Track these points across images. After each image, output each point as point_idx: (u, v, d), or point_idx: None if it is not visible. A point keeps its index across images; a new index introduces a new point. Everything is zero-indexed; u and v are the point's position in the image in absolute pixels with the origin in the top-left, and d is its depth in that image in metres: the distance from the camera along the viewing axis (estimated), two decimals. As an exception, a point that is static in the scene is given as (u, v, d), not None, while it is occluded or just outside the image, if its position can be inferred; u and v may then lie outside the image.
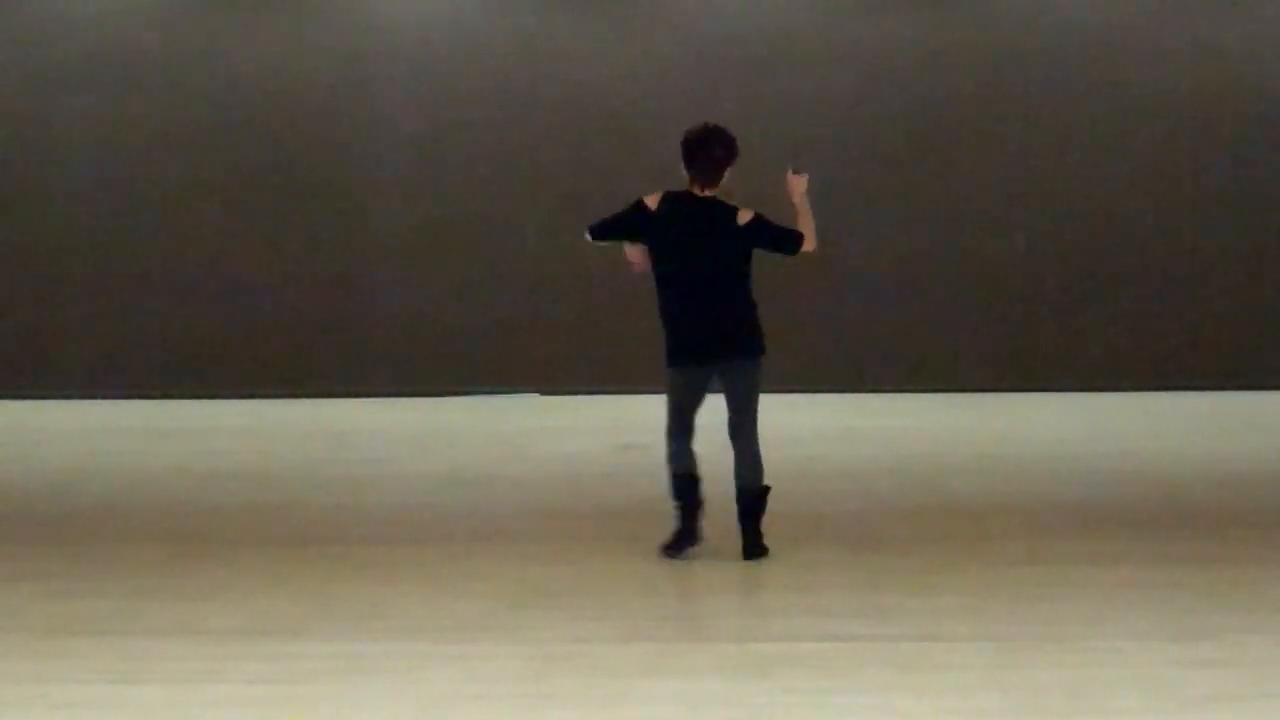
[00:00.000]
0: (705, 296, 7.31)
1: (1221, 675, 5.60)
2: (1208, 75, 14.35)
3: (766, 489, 7.45)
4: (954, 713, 5.21)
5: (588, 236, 7.51)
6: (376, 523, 8.66)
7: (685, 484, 7.40)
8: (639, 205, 7.40)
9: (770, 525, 7.96)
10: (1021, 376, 14.39)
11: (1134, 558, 7.54)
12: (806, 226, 7.45)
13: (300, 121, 14.43)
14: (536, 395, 14.31)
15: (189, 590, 6.99)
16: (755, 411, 7.46)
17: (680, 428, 7.46)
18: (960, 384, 14.33)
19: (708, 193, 7.35)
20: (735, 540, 7.54)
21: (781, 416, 12.89)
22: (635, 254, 7.46)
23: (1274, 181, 14.40)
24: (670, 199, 7.38)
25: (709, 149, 7.31)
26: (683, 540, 7.39)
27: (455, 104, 14.45)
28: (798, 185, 7.48)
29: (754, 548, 7.43)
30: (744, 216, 7.34)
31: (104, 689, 5.56)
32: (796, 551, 7.65)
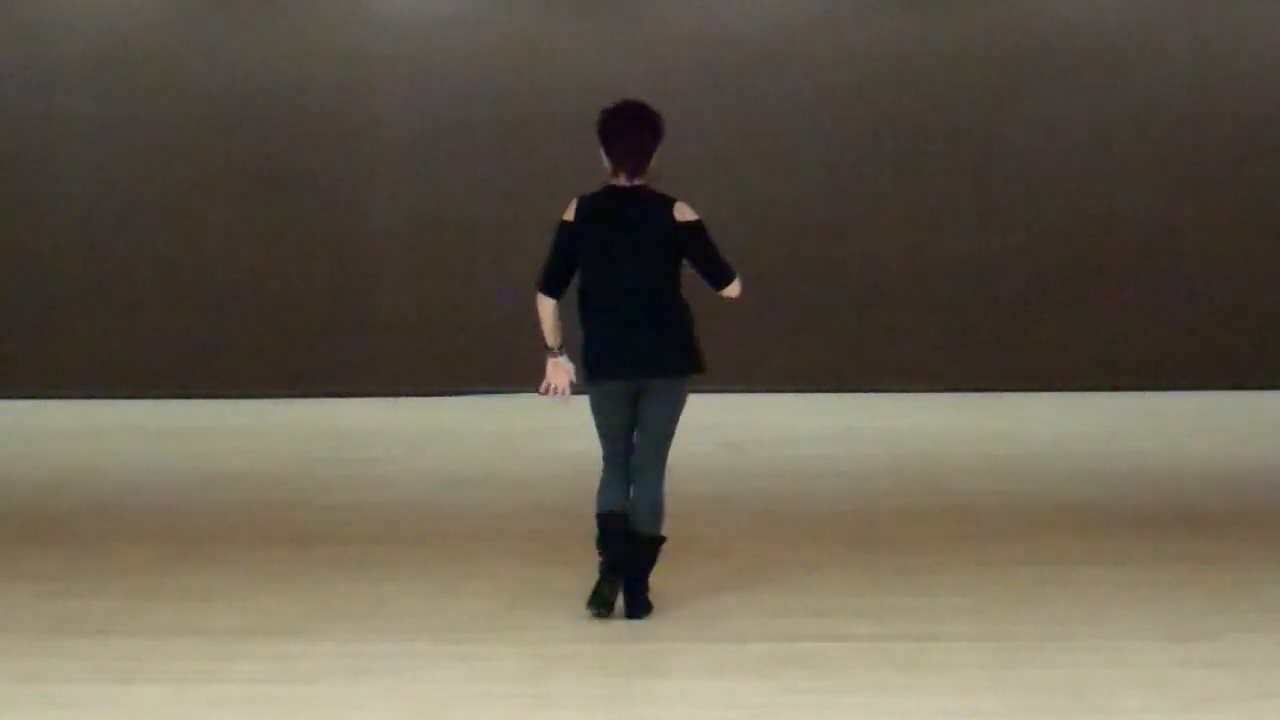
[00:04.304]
0: (632, 298, 6.33)
1: (1221, 675, 5.60)
2: (1208, 75, 14.36)
3: (661, 539, 6.46)
4: (953, 712, 5.21)
5: (546, 298, 6.46)
6: (376, 523, 8.65)
7: (608, 527, 6.38)
8: (563, 227, 6.46)
9: (771, 525, 7.97)
10: (1021, 376, 14.39)
11: (1134, 558, 7.54)
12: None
13: (300, 121, 14.44)
14: (536, 395, 14.30)
15: (189, 590, 6.98)
16: (668, 445, 6.45)
17: (615, 455, 6.47)
18: (960, 384, 14.33)
19: (636, 182, 6.39)
20: (733, 542, 7.52)
21: (782, 416, 12.95)
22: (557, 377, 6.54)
23: (1274, 181, 14.41)
24: (589, 200, 6.45)
25: (632, 130, 6.37)
26: (601, 601, 6.37)
27: (455, 104, 14.45)
28: None
29: (638, 604, 6.38)
30: (683, 213, 6.36)
31: (104, 689, 5.56)
32: (796, 551, 7.65)
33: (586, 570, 7.22)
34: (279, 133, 14.43)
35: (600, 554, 6.42)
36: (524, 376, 14.62)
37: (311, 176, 14.46)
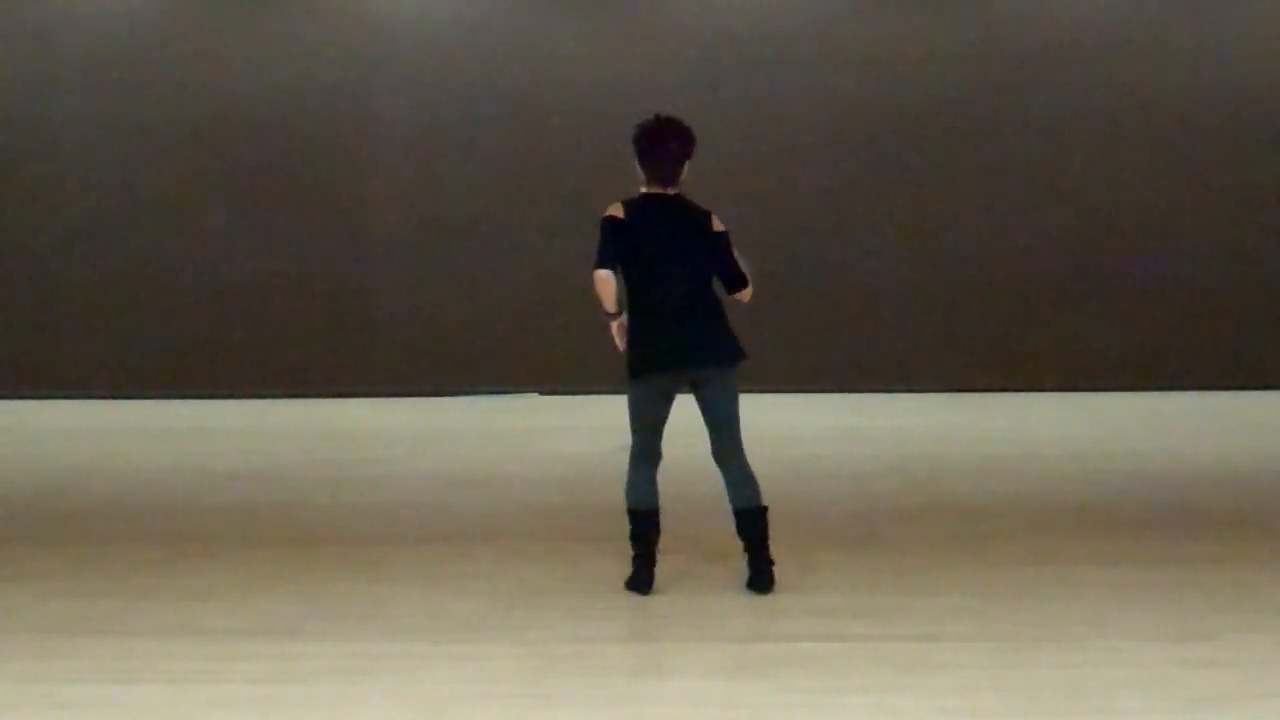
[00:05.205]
0: (680, 297, 6.68)
1: (1221, 675, 5.60)
2: (1208, 75, 14.36)
3: (766, 509, 6.87)
4: (953, 712, 5.21)
5: (605, 273, 6.62)
6: (376, 523, 8.66)
7: (648, 523, 6.84)
8: (614, 221, 6.67)
9: (771, 525, 7.95)
10: (1021, 376, 14.40)
11: (1134, 558, 7.54)
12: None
13: (300, 121, 14.44)
14: (536, 395, 14.30)
15: (189, 590, 6.99)
16: (739, 428, 6.83)
17: (650, 451, 6.81)
18: (960, 384, 14.34)
19: (671, 191, 6.76)
20: (733, 542, 7.51)
21: (782, 416, 12.95)
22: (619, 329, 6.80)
23: (1274, 181, 14.41)
24: (636, 204, 6.73)
25: (664, 144, 6.68)
26: (643, 582, 6.84)
27: (455, 104, 14.45)
28: None
29: (767, 578, 6.83)
30: (716, 223, 6.80)
31: (104, 689, 5.56)
32: (796, 551, 7.65)
33: (587, 570, 7.24)
34: (279, 133, 14.44)
35: (635, 548, 6.84)
36: (524, 376, 14.70)
37: (311, 177, 14.46)
